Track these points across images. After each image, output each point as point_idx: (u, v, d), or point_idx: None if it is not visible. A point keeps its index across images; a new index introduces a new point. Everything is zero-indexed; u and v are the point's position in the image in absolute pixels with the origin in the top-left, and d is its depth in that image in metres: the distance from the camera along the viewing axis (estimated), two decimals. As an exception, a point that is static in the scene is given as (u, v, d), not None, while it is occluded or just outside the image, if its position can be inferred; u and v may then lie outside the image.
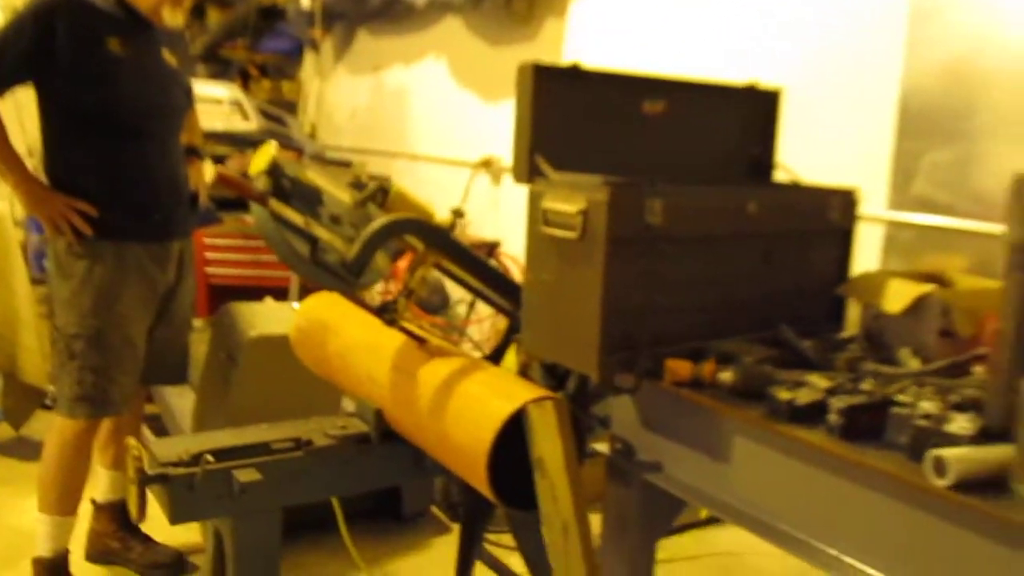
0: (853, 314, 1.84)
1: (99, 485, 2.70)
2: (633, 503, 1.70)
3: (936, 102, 2.57)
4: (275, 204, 1.88)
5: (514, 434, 1.67)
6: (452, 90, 4.58)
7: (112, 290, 2.34)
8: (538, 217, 1.59)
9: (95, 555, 2.69)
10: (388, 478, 2.22)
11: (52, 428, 2.40)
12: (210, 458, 1.87)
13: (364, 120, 5.52)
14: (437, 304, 4.00)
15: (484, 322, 4.07)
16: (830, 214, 1.78)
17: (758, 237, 1.68)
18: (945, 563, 1.15)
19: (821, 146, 2.77)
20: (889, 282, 1.66)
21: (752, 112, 1.96)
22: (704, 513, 3.05)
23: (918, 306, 1.59)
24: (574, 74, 1.68)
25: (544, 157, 1.66)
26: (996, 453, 1.11)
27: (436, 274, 3.92)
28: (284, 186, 1.92)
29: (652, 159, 1.82)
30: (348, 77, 5.70)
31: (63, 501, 2.37)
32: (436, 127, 4.75)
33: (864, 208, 2.71)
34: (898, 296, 1.60)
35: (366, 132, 5.45)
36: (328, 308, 2.33)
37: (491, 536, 2.77)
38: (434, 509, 3.10)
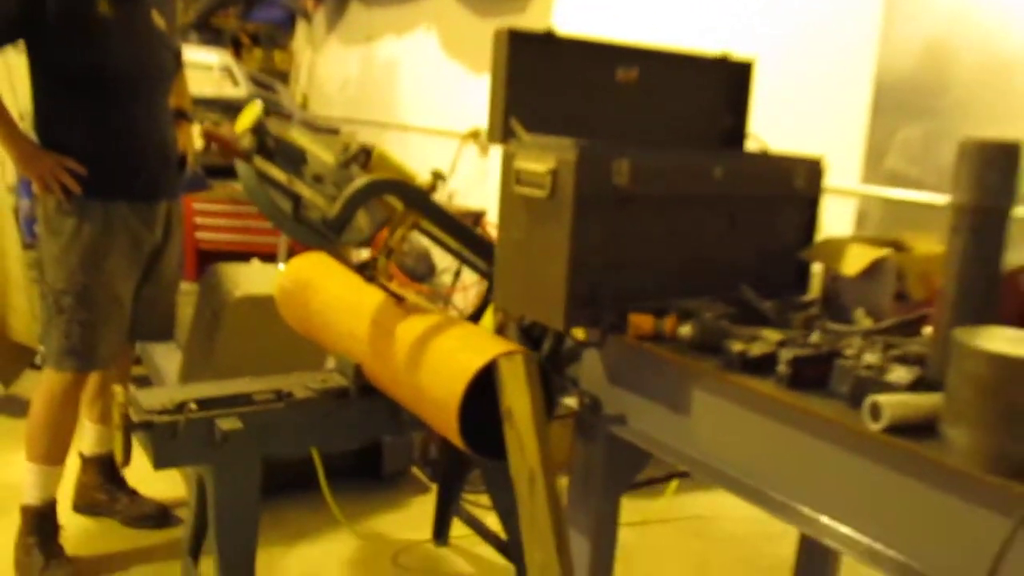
0: (818, 280, 1.91)
1: (86, 439, 2.77)
2: (598, 456, 1.77)
3: (910, 79, 2.63)
4: (259, 161, 1.93)
5: (486, 387, 1.74)
6: (442, 62, 4.62)
7: (100, 247, 2.39)
8: (510, 177, 1.65)
9: (82, 507, 2.76)
10: (366, 432, 2.29)
11: (41, 381, 2.46)
12: (193, 406, 1.93)
13: (355, 91, 5.56)
14: (423, 272, 4.06)
15: (470, 290, 4.13)
16: (796, 181, 1.84)
17: (724, 201, 1.75)
18: (882, 506, 1.22)
19: (797, 120, 2.84)
20: (848, 247, 1.72)
21: (725, 83, 2.02)
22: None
23: (874, 269, 1.65)
24: (548, 40, 1.73)
25: (519, 120, 1.71)
26: (930, 400, 1.17)
27: (423, 243, 3.99)
28: (268, 145, 1.97)
29: (625, 126, 1.88)
30: (340, 48, 5.73)
31: (51, 451, 2.44)
32: (426, 98, 4.79)
33: (837, 181, 2.79)
34: (855, 260, 1.67)
35: (356, 103, 5.49)
36: (311, 268, 2.39)
37: (469, 496, 2.85)
38: (414, 469, 3.18)
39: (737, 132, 2.05)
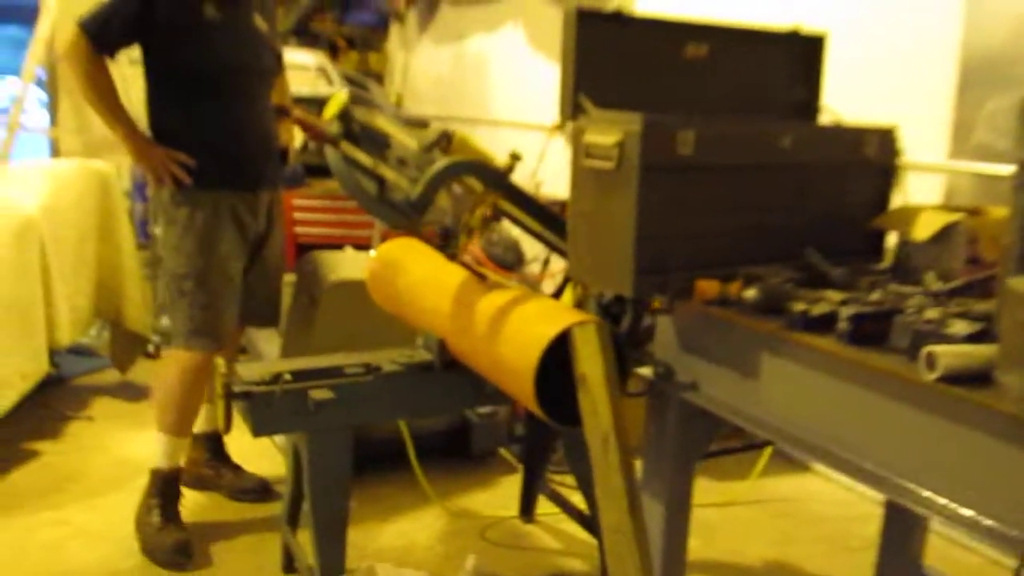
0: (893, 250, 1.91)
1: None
2: (671, 422, 1.82)
3: (998, 49, 2.57)
4: (346, 146, 2.05)
5: (564, 359, 1.81)
6: (529, 56, 4.70)
7: (211, 233, 2.56)
8: (580, 151, 1.72)
9: (189, 481, 2.94)
10: (451, 404, 2.39)
11: (170, 360, 2.61)
12: (288, 377, 2.06)
13: (446, 89, 5.70)
14: (512, 261, 4.14)
15: (558, 277, 4.19)
16: (867, 150, 1.85)
17: (793, 170, 1.77)
18: (940, 458, 1.24)
19: (880, 96, 2.81)
20: (921, 213, 1.72)
21: (797, 57, 2.04)
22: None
23: (945, 234, 1.66)
24: (617, 19, 1.79)
25: (588, 98, 1.78)
26: (987, 351, 1.19)
27: (512, 233, 4.07)
28: (354, 131, 2.08)
29: (695, 102, 1.92)
30: (431, 47, 5.88)
31: (179, 424, 2.59)
32: (514, 93, 4.88)
33: (923, 157, 2.75)
34: (926, 224, 1.67)
35: (448, 100, 5.63)
36: (399, 252, 2.51)
37: (555, 476, 2.91)
38: (502, 450, 3.26)
39: (810, 105, 2.06)
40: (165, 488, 2.61)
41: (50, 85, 6.70)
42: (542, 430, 2.73)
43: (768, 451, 3.13)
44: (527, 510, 2.83)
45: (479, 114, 5.18)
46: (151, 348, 4.13)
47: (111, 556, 2.53)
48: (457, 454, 3.18)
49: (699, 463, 3.21)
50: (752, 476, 3.11)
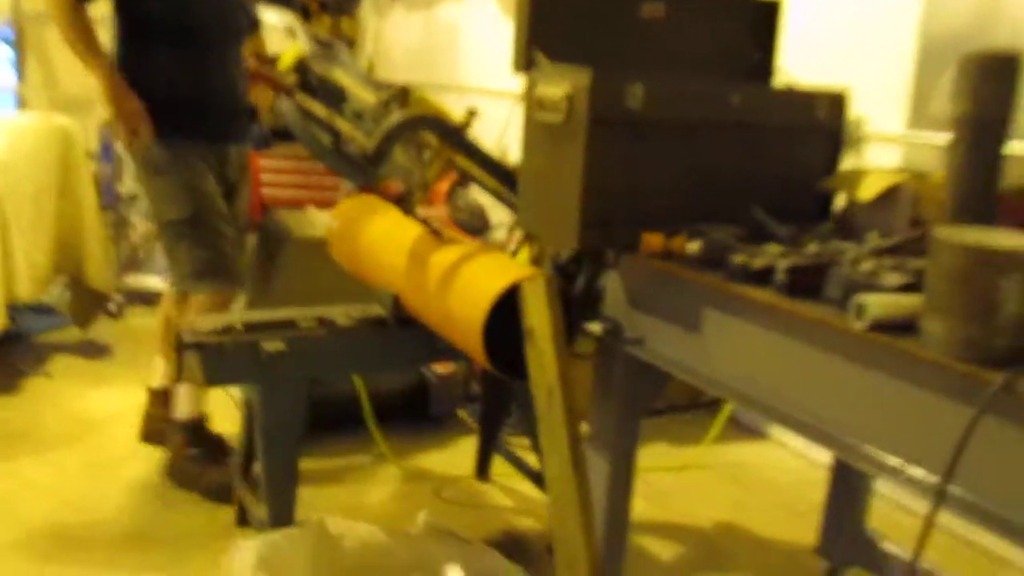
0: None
1: (155, 374, 2.91)
2: (618, 377, 1.84)
3: (959, 22, 2.59)
4: (301, 97, 2.04)
5: (514, 313, 1.82)
6: (500, 24, 4.68)
7: (195, 176, 2.57)
8: (532, 104, 1.72)
9: (150, 436, 2.91)
10: (404, 360, 2.39)
11: (185, 309, 2.60)
12: (240, 328, 2.06)
13: (418, 55, 5.66)
14: (478, 227, 4.15)
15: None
16: (817, 113, 1.86)
17: (742, 129, 1.78)
18: (868, 406, 1.26)
19: (842, 67, 2.82)
20: (867, 175, 1.75)
21: (752, 21, 2.04)
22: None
23: (889, 195, 1.68)
24: (572, -27, 1.79)
25: (543, 54, 1.78)
26: (915, 300, 1.21)
27: (478, 200, 4.06)
28: (311, 82, 2.08)
29: (650, 61, 1.92)
30: (403, 14, 5.83)
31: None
32: (484, 60, 4.86)
33: (883, 126, 2.77)
34: (871, 185, 1.69)
35: (419, 66, 5.59)
36: (358, 210, 2.50)
37: (512, 440, 2.93)
38: (461, 412, 3.28)
39: (765, 70, 2.07)
40: (197, 435, 2.65)
41: (17, 43, 6.60)
42: (498, 390, 2.75)
43: (723, 417, 3.17)
44: (483, 470, 2.85)
45: (449, 80, 5.16)
46: (113, 307, 4.12)
47: (59, 510, 2.52)
48: (415, 416, 3.19)
49: (655, 428, 3.28)
50: (706, 441, 3.15)
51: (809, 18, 2.96)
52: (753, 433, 3.35)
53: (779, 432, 3.28)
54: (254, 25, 2.84)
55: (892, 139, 2.75)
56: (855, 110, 2.81)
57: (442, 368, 3.19)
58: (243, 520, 2.46)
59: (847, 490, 2.30)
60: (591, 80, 1.57)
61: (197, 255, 2.57)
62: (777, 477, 3.03)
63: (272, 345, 2.05)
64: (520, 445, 2.95)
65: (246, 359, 2.05)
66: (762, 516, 2.75)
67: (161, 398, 2.92)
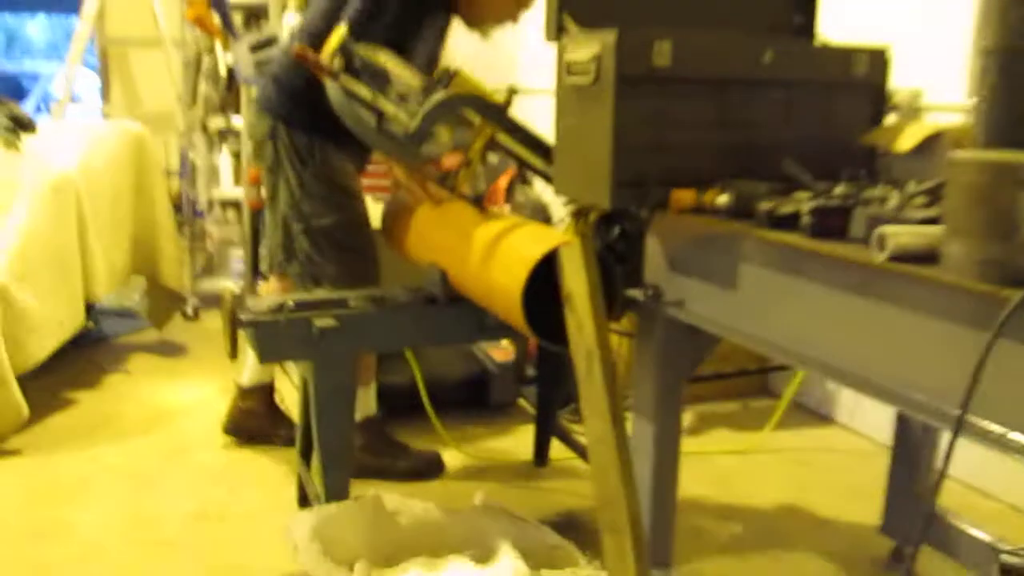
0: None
1: (245, 370, 2.96)
2: (658, 341, 1.84)
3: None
4: (345, 79, 2.10)
5: (553, 282, 1.84)
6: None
7: (352, 184, 2.57)
8: (563, 69, 1.74)
9: (244, 432, 2.97)
10: (453, 335, 2.42)
11: None
12: (292, 305, 2.13)
13: (473, 58, 5.74)
14: (540, 222, 4.17)
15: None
16: (857, 69, 1.84)
17: (777, 86, 1.77)
18: (896, 345, 1.24)
19: (896, 36, 2.76)
20: (908, 126, 1.71)
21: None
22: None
23: (930, 145, 1.64)
24: (602, -60, 1.81)
25: (575, 21, 1.80)
26: (937, 230, 1.18)
27: (541, 197, 4.08)
28: (355, 65, 2.13)
29: (686, 25, 1.92)
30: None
31: (359, 374, 2.52)
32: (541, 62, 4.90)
33: (942, 97, 2.70)
34: (910, 136, 1.66)
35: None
36: (406, 199, 2.56)
37: (573, 427, 2.93)
38: (522, 401, 3.30)
39: (808, 31, 2.05)
40: (377, 433, 2.73)
41: (102, 67, 6.94)
42: (552, 371, 2.76)
43: (785, 401, 3.11)
44: (540, 454, 2.86)
45: (506, 82, 5.23)
46: (188, 310, 4.28)
47: (135, 491, 2.63)
48: (476, 404, 3.22)
49: (717, 415, 3.24)
50: (769, 426, 3.10)
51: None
52: (818, 417, 3.29)
53: (844, 415, 3.21)
54: None
55: (953, 109, 2.68)
56: (912, 81, 2.76)
57: (500, 355, 3.22)
58: (304, 500, 2.52)
59: (909, 465, 2.24)
60: (617, 39, 1.59)
61: (344, 259, 2.53)
62: (841, 459, 2.96)
63: (323, 321, 2.11)
64: (579, 433, 2.96)
65: (299, 336, 2.11)
66: (825, 497, 2.69)
67: (249, 394, 2.98)
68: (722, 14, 1.95)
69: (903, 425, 2.18)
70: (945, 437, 1.14)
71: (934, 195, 1.43)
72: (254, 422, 2.94)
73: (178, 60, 5.12)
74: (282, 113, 2.49)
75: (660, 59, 1.62)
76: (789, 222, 1.42)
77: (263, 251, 2.83)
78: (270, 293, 2.72)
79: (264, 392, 2.95)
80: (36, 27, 17.77)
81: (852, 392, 3.10)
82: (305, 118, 2.42)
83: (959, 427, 1.07)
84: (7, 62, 16.64)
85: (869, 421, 3.08)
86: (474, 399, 3.23)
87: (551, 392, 2.78)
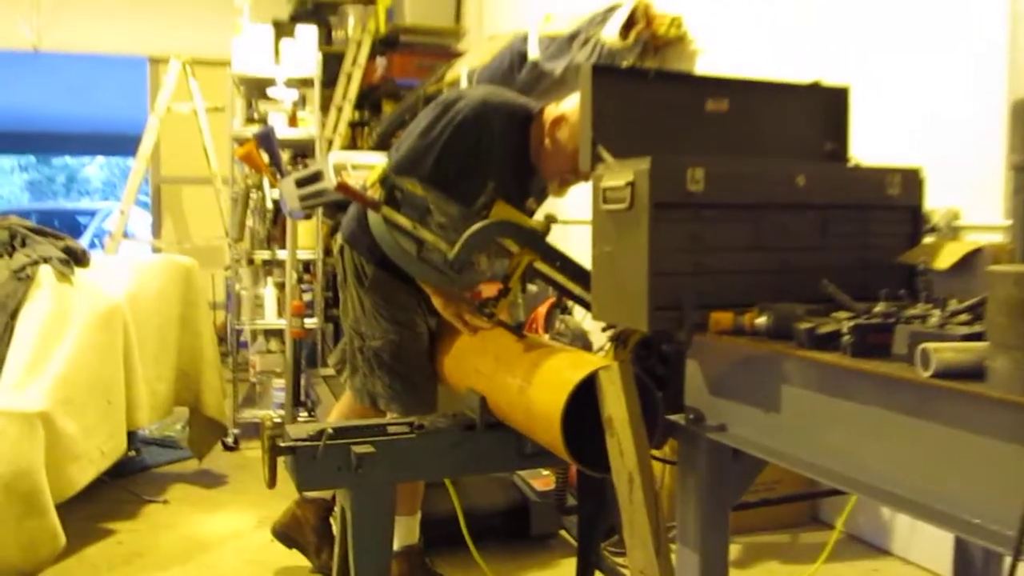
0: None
1: None
2: (702, 466, 1.79)
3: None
4: (386, 210, 2.16)
5: (593, 409, 1.83)
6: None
7: (405, 310, 2.58)
8: (599, 196, 1.77)
9: (285, 535, 2.93)
10: (493, 463, 2.40)
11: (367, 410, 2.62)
12: (331, 432, 2.12)
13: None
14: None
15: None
16: (889, 190, 1.85)
17: (811, 208, 1.78)
18: (936, 462, 1.20)
19: (930, 158, 2.80)
20: (945, 244, 1.71)
21: (821, 109, 2.07)
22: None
23: (969, 262, 1.64)
24: (633, 73, 1.88)
25: (607, 148, 1.85)
26: (981, 346, 1.17)
27: (581, 325, 4.10)
28: (396, 196, 2.20)
29: (717, 153, 1.96)
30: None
31: (405, 502, 2.59)
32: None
33: (979, 217, 2.71)
34: (950, 254, 1.66)
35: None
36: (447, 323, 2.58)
37: (617, 560, 2.84)
38: (563, 532, 3.22)
39: (839, 157, 2.08)
40: (415, 565, 2.69)
41: (154, 206, 7.23)
42: (595, 499, 2.70)
43: (837, 532, 3.00)
44: (583, 586, 2.76)
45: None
46: (230, 440, 4.29)
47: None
48: (516, 535, 3.15)
49: (766, 547, 3.13)
50: (821, 559, 2.97)
51: (890, 109, 2.97)
52: (872, 548, 3.15)
53: (900, 545, 3.08)
54: None
55: (990, 229, 2.68)
56: (948, 201, 2.77)
57: (541, 484, 3.17)
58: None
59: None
60: (651, 166, 1.62)
61: (395, 384, 2.55)
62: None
63: (362, 448, 2.10)
64: (623, 564, 2.87)
65: (338, 463, 2.10)
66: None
67: (308, 505, 2.93)
68: (754, 144, 1.99)
69: (962, 552, 2.08)
70: (1007, 562, 1.09)
71: (976, 312, 1.41)
72: (302, 533, 2.91)
73: (227, 196, 5.34)
74: (346, 234, 2.62)
75: (694, 185, 1.65)
76: (830, 341, 1.41)
77: (331, 359, 2.89)
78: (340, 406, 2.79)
79: (321, 508, 2.93)
80: (94, 168, 18.67)
81: (907, 520, 3.00)
82: (365, 242, 2.49)
83: (1018, 551, 1.02)
84: (65, 201, 17.41)
85: (927, 550, 2.95)
86: (514, 529, 3.16)
87: (594, 522, 2.70)
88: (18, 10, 6.61)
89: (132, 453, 3.75)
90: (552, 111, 2.46)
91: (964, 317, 1.33)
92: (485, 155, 2.42)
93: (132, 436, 3.50)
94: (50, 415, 2.82)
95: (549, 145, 2.46)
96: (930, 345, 1.18)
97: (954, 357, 1.16)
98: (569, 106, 2.41)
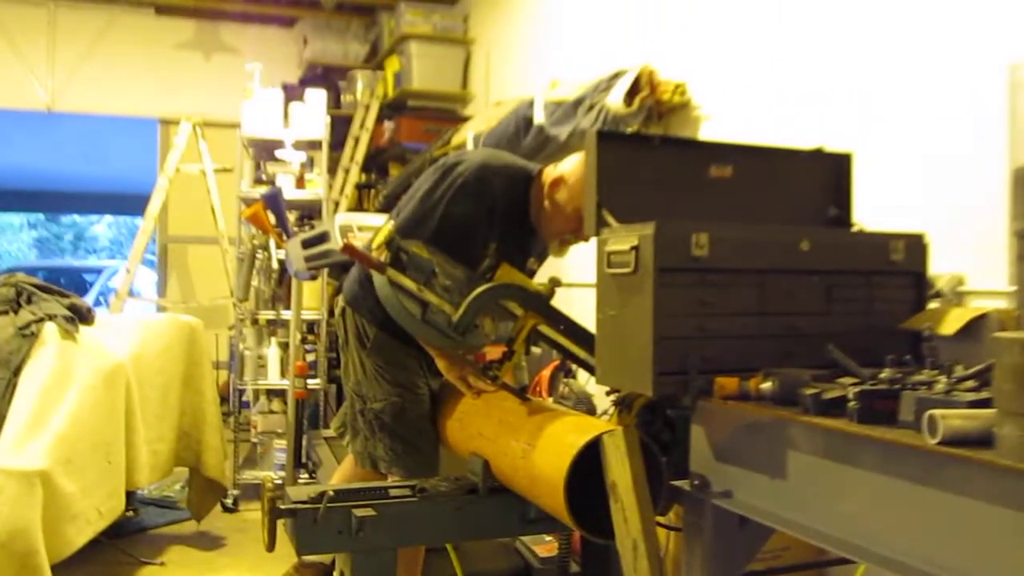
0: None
1: None
2: (708, 533, 1.77)
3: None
4: (392, 272, 2.17)
5: (597, 474, 1.81)
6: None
7: (408, 373, 2.56)
8: (604, 260, 1.78)
9: None
10: (495, 528, 2.36)
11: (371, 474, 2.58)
12: (332, 494, 2.10)
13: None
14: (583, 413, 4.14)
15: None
16: (893, 256, 1.86)
17: (815, 273, 1.79)
18: (950, 531, 1.18)
19: (933, 225, 2.81)
20: (950, 310, 1.71)
21: (824, 175, 2.09)
22: None
23: (974, 328, 1.63)
24: (638, 139, 1.91)
25: (614, 215, 1.86)
26: (988, 413, 1.16)
27: (586, 389, 4.08)
28: (401, 259, 2.21)
29: (721, 219, 1.98)
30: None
31: (406, 567, 2.51)
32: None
33: (983, 283, 2.70)
34: (955, 319, 1.66)
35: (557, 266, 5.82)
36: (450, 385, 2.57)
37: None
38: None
39: (843, 223, 2.09)
40: None
41: (160, 263, 7.27)
42: (599, 566, 2.65)
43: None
44: (589, 656, 2.70)
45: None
46: (229, 501, 4.24)
47: None
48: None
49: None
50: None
51: (893, 175, 2.98)
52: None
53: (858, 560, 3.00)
54: None
55: (995, 295, 2.67)
56: (952, 267, 2.76)
57: (544, 550, 3.12)
58: None
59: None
60: (655, 230, 1.64)
61: (396, 447, 2.53)
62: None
63: (363, 511, 2.08)
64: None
65: (338, 526, 2.07)
66: None
67: (307, 569, 2.89)
68: (758, 210, 2.00)
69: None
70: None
71: (982, 378, 1.40)
72: None
73: (233, 256, 5.37)
74: (348, 297, 2.61)
75: (698, 249, 1.67)
76: (836, 407, 1.40)
77: (333, 423, 2.87)
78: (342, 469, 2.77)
79: (320, 572, 2.88)
80: (101, 226, 18.83)
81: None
82: (367, 304, 2.50)
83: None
84: (72, 258, 17.52)
85: (937, 623, 2.88)
86: (519, 597, 3.11)
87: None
88: (33, 71, 6.74)
89: (130, 513, 3.70)
90: (551, 173, 2.48)
91: (970, 383, 1.33)
92: (486, 217, 2.44)
93: (131, 496, 3.46)
94: (49, 474, 2.79)
95: (548, 206, 2.48)
96: (937, 412, 1.17)
97: (962, 424, 1.16)
98: (567, 168, 2.43)
